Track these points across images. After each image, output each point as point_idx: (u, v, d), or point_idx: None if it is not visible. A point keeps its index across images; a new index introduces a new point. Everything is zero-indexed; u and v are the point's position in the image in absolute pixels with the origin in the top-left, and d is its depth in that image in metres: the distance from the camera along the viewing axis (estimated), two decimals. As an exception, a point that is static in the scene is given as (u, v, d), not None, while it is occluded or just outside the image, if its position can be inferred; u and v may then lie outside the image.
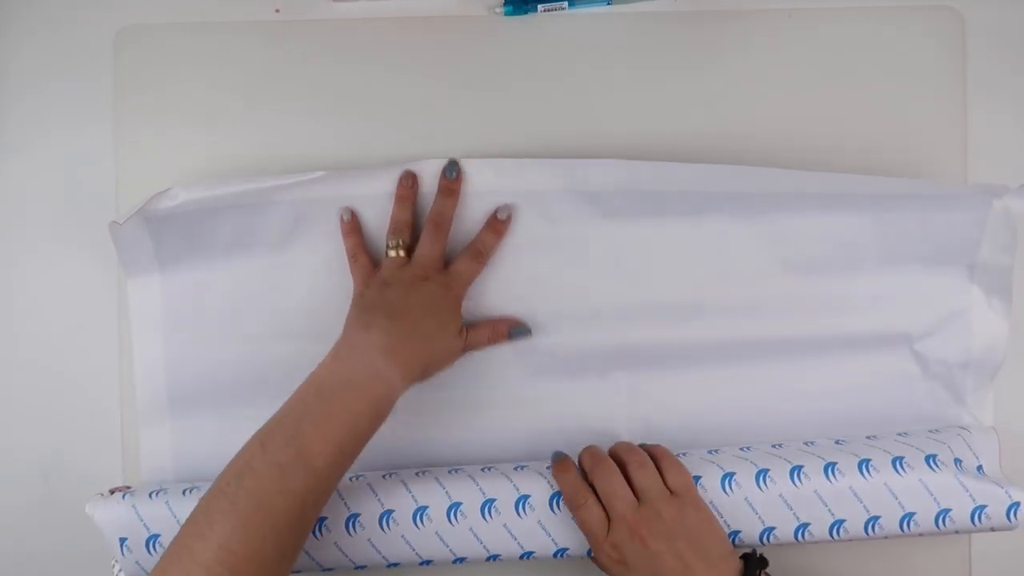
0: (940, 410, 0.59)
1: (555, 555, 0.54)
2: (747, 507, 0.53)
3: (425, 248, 0.56)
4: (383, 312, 0.52)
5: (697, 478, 0.53)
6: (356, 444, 0.49)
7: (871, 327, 0.59)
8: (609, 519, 0.51)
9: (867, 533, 0.53)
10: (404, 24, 0.60)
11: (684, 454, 0.55)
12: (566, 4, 0.60)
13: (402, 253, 0.56)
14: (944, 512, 0.53)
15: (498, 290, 0.59)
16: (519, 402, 0.59)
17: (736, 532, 0.53)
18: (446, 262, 0.57)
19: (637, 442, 0.56)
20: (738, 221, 0.58)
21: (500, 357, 0.59)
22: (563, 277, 0.59)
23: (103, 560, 0.56)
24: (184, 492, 0.54)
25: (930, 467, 0.53)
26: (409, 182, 0.57)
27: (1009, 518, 0.54)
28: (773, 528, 0.53)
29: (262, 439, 0.48)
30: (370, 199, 0.58)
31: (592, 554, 0.53)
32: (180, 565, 0.44)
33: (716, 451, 0.56)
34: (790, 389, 0.59)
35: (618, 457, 0.53)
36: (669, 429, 0.59)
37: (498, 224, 0.57)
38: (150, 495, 0.54)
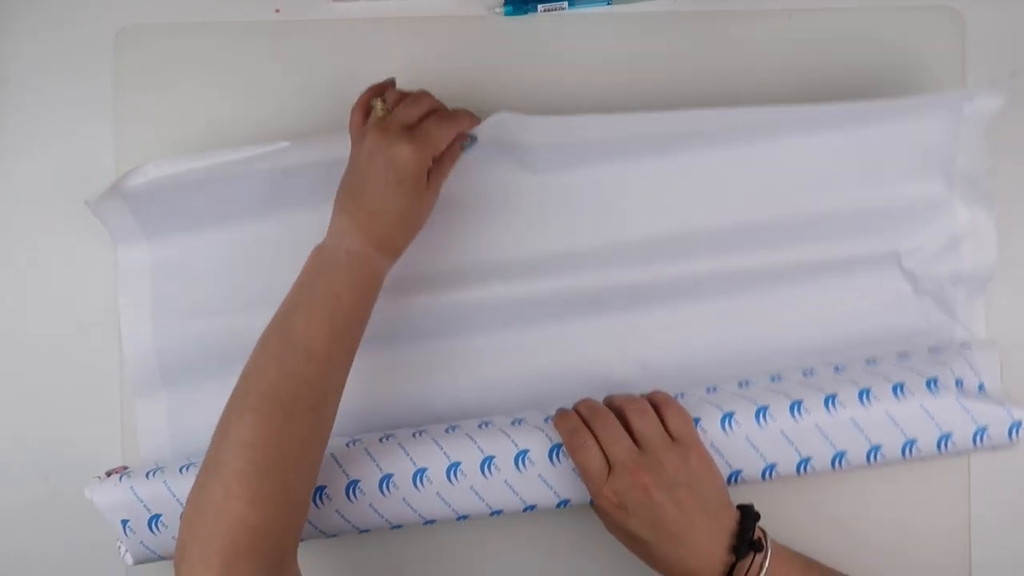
0: (934, 326, 0.59)
1: (558, 506, 0.54)
2: (748, 446, 0.53)
3: (405, 109, 0.52)
4: (348, 191, 0.51)
5: (696, 420, 0.52)
6: (347, 324, 0.50)
7: (859, 248, 0.59)
8: (610, 466, 0.50)
9: (869, 462, 0.54)
10: (404, 24, 0.60)
11: (682, 395, 0.55)
12: (566, 4, 0.60)
13: (385, 113, 0.52)
14: (946, 436, 0.53)
15: (481, 236, 0.58)
16: (510, 350, 0.59)
17: (738, 471, 0.53)
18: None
19: (633, 383, 0.56)
20: (717, 153, 0.57)
21: (489, 305, 0.58)
22: (547, 222, 0.58)
23: (103, 558, 0.56)
24: (181, 470, 0.54)
25: (931, 391, 0.53)
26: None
27: (1010, 437, 0.54)
28: (775, 465, 0.53)
29: (260, 340, 0.49)
30: (341, 163, 0.56)
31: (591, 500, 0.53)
32: (208, 469, 0.46)
33: (715, 390, 0.55)
34: (781, 315, 0.59)
35: (616, 406, 0.52)
36: (663, 366, 0.59)
37: (472, 118, 0.54)
38: (147, 475, 0.54)
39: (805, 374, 0.56)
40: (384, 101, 0.53)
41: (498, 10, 0.60)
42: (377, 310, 0.53)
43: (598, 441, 0.51)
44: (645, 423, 0.51)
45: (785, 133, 0.57)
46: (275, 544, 0.45)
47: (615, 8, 0.61)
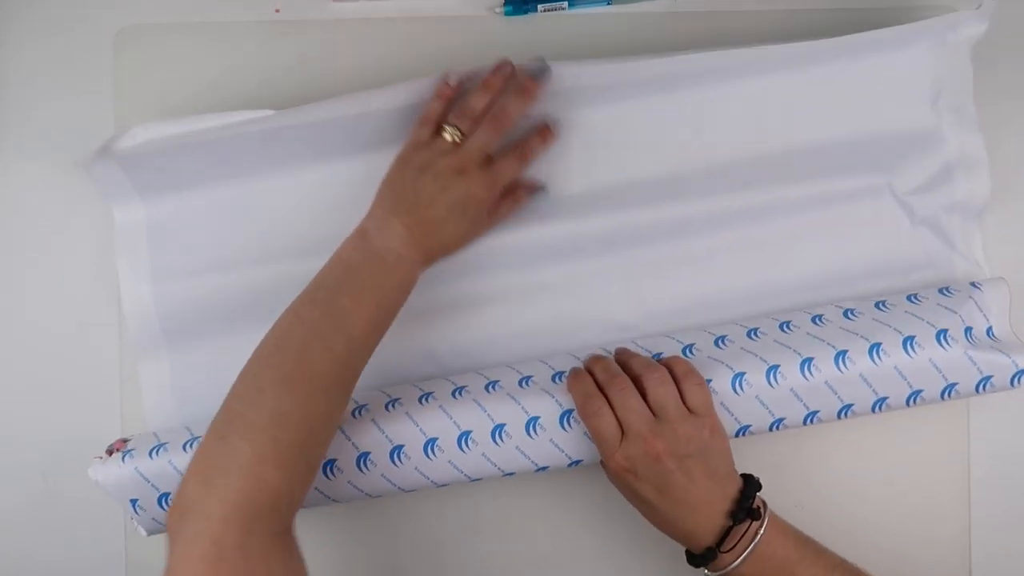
0: (931, 255, 0.60)
1: (569, 466, 0.54)
2: (758, 404, 0.53)
3: (476, 142, 0.54)
4: (408, 206, 0.53)
5: (708, 380, 0.53)
6: (387, 316, 0.52)
7: (853, 181, 0.59)
8: (623, 431, 0.51)
9: (873, 412, 0.54)
10: (404, 24, 0.60)
11: (691, 350, 0.55)
12: (566, 4, 0.60)
13: (457, 139, 0.54)
14: (951, 386, 0.54)
15: None
16: (512, 294, 0.59)
17: (746, 426, 0.54)
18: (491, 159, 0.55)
19: (636, 324, 0.59)
20: (709, 91, 0.57)
21: (491, 248, 0.58)
22: (546, 167, 0.58)
23: (103, 557, 0.56)
24: (184, 447, 0.54)
25: (941, 345, 0.53)
26: (506, 71, 0.55)
27: (1012, 383, 0.55)
28: (783, 419, 0.54)
29: (296, 312, 0.50)
30: (331, 122, 0.56)
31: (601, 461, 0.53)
32: (237, 430, 0.46)
33: (724, 342, 0.55)
34: (780, 250, 0.59)
35: (635, 373, 0.52)
36: (666, 307, 0.59)
37: (547, 131, 0.57)
38: (150, 454, 0.54)
39: (815, 321, 0.56)
40: (456, 126, 0.54)
41: (498, 10, 0.60)
42: None
43: (612, 406, 0.51)
44: (663, 392, 0.51)
45: (774, 70, 0.57)
46: (289, 508, 0.46)
47: (615, 8, 0.61)
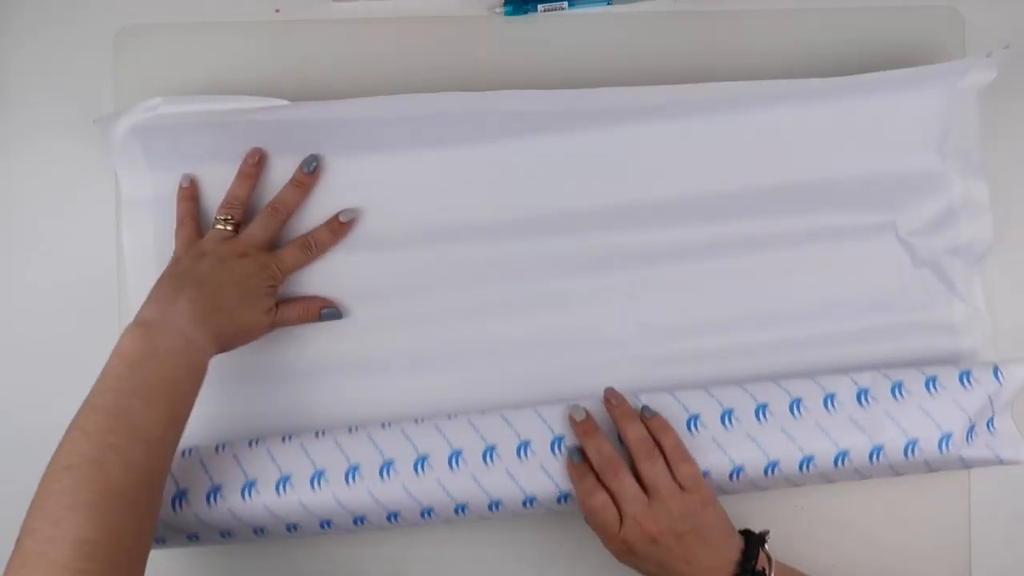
0: (932, 296, 0.60)
1: (558, 501, 0.54)
2: (752, 487, 0.54)
3: (255, 230, 0.56)
4: (193, 282, 0.52)
5: (696, 416, 0.54)
6: (183, 409, 0.49)
7: (856, 217, 0.60)
8: (620, 516, 0.51)
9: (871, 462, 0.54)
10: (404, 24, 0.60)
11: (696, 425, 0.54)
12: (566, 4, 0.60)
13: (229, 228, 0.55)
14: (934, 470, 0.55)
15: (482, 194, 0.58)
16: (509, 308, 0.59)
17: (740, 467, 0.54)
18: (272, 246, 0.57)
19: (631, 346, 0.58)
20: (718, 120, 0.58)
21: (491, 263, 0.59)
22: (550, 183, 0.58)
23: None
24: (217, 449, 0.55)
25: (940, 450, 0.54)
26: (255, 159, 0.57)
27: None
28: (778, 462, 0.54)
29: (81, 427, 0.45)
30: (337, 121, 0.57)
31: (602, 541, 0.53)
32: (39, 572, 0.41)
33: (731, 422, 0.55)
34: (779, 280, 0.59)
35: (621, 432, 0.53)
36: (661, 329, 0.59)
37: (338, 226, 0.57)
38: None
39: (827, 406, 0.55)
40: (227, 215, 0.55)
41: (498, 10, 0.60)
42: (370, 264, 0.56)
43: (608, 491, 0.51)
44: (655, 471, 0.52)
45: (784, 102, 0.58)
46: None
47: (615, 8, 0.61)
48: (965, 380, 0.55)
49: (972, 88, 0.57)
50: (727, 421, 0.54)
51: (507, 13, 0.60)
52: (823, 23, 0.61)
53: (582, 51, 0.61)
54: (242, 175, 0.57)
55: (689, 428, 0.54)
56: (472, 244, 0.59)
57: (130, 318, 0.57)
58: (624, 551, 0.52)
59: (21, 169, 0.60)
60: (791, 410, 0.54)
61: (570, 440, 0.54)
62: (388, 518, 0.53)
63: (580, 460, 0.53)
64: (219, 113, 0.55)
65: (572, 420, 0.54)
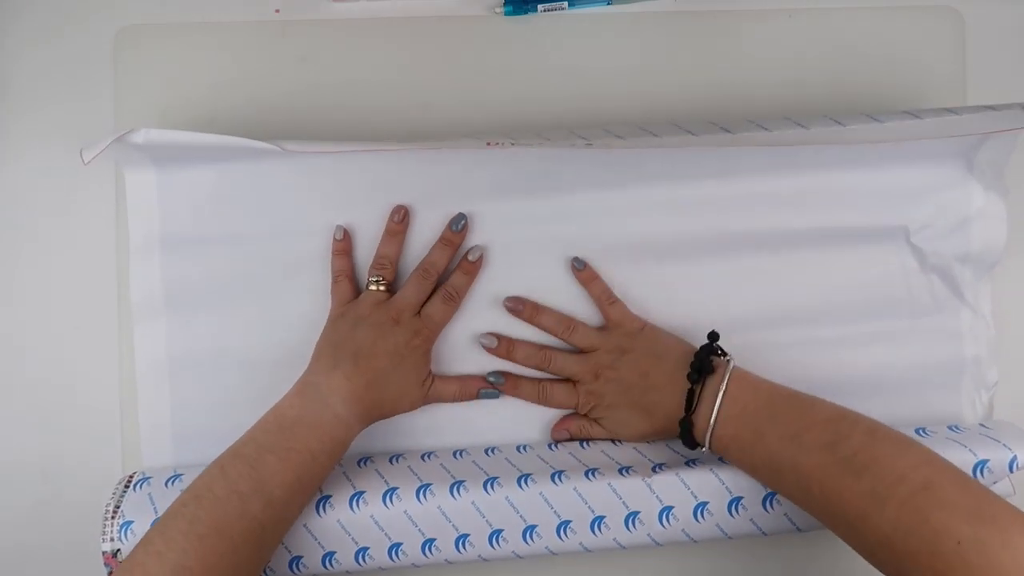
0: (940, 303, 0.60)
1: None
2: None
3: (408, 293, 0.57)
4: (350, 355, 0.54)
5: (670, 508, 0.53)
6: (314, 479, 0.51)
7: (868, 219, 0.59)
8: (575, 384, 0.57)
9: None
10: (404, 24, 0.60)
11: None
12: (566, 4, 0.60)
13: (382, 289, 0.57)
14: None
15: (485, 190, 0.59)
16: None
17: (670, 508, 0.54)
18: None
19: None
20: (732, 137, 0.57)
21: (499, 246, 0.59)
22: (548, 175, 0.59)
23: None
24: (167, 483, 0.55)
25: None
26: (400, 215, 0.57)
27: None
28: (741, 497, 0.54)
29: (222, 465, 0.49)
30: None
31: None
32: None
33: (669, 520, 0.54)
34: (787, 279, 0.59)
35: (537, 325, 0.58)
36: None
37: (469, 266, 0.58)
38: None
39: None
40: (380, 276, 0.57)
41: (498, 10, 0.60)
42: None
43: (553, 374, 0.58)
44: (579, 335, 0.58)
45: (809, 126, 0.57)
46: None
47: (615, 8, 0.61)
48: (982, 470, 0.54)
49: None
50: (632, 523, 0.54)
51: (507, 13, 0.60)
52: (823, 23, 0.61)
53: (582, 51, 0.61)
54: (389, 234, 0.58)
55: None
56: (501, 232, 0.59)
57: (130, 316, 0.57)
58: (593, 406, 0.57)
59: (21, 168, 0.60)
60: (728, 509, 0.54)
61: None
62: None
63: (501, 380, 0.58)
64: (209, 145, 0.54)
65: (488, 349, 0.58)
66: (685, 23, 0.61)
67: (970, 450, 0.54)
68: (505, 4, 0.60)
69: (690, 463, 0.55)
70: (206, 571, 0.45)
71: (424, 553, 0.53)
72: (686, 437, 0.53)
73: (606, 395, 0.56)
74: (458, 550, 0.53)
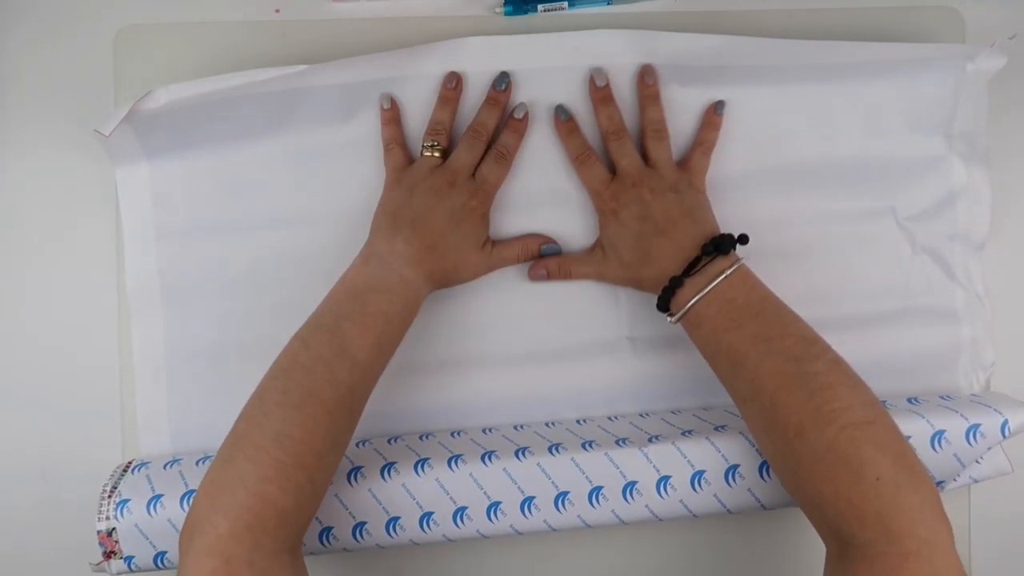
0: (932, 282, 0.60)
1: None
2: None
3: (461, 155, 0.57)
4: (408, 221, 0.54)
5: (668, 477, 0.54)
6: (391, 341, 0.53)
7: (857, 201, 0.60)
8: (614, 176, 0.57)
9: None
10: (404, 24, 0.60)
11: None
12: (566, 4, 0.60)
13: (436, 155, 0.57)
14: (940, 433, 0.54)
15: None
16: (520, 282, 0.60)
17: (702, 471, 0.54)
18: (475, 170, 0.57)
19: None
20: (719, 93, 0.59)
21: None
22: (539, 164, 0.60)
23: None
24: (165, 466, 0.55)
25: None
26: (453, 82, 0.58)
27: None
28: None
29: (303, 338, 0.51)
30: (356, 85, 0.58)
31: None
32: (243, 451, 0.47)
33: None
34: (776, 263, 0.59)
35: (643, 110, 0.58)
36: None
37: (516, 124, 0.58)
38: (147, 509, 0.54)
39: None
40: (435, 142, 0.56)
41: (498, 10, 0.60)
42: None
43: (609, 152, 0.57)
44: (659, 148, 0.57)
45: (788, 81, 0.58)
46: (295, 528, 0.48)
47: (615, 8, 0.61)
48: (971, 437, 0.54)
49: (981, 74, 0.58)
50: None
51: (507, 13, 0.60)
52: (823, 23, 0.61)
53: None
54: (443, 99, 0.58)
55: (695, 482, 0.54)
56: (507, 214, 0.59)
57: (130, 324, 0.57)
58: (610, 209, 0.56)
59: (21, 167, 0.60)
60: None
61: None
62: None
63: (567, 117, 0.58)
64: (226, 90, 0.55)
65: (592, 83, 0.57)
66: (685, 23, 0.61)
67: (961, 415, 0.54)
68: (505, 4, 0.60)
69: (686, 433, 0.55)
70: (306, 436, 0.48)
71: (456, 523, 0.53)
72: (666, 297, 0.54)
73: (628, 207, 0.55)
74: (490, 519, 0.54)
